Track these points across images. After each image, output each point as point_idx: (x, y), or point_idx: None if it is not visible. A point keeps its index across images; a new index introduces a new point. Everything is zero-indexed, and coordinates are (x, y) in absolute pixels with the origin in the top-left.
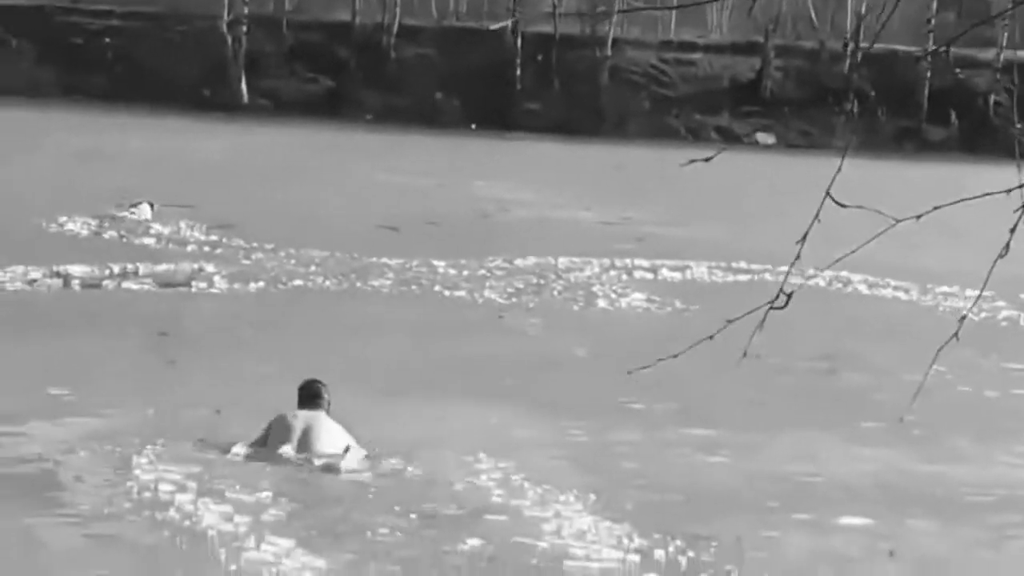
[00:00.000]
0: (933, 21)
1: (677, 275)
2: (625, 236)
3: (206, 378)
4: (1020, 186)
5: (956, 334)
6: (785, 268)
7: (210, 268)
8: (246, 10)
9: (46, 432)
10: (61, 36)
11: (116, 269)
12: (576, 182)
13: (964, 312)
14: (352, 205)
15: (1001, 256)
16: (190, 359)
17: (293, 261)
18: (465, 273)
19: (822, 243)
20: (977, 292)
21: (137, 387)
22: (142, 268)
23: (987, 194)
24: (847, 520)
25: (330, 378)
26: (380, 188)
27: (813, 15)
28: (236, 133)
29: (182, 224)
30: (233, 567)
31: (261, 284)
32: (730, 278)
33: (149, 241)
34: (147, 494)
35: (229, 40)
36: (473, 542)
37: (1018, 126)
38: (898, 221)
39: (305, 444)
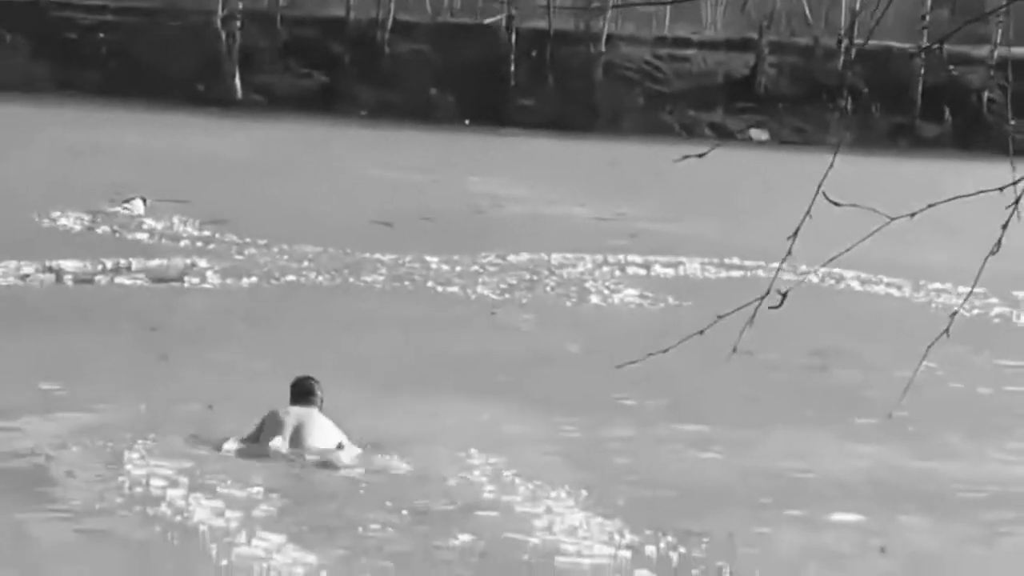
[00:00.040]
0: (927, 18)
1: (670, 271)
2: (618, 232)
3: (198, 373)
4: (1013, 183)
5: (947, 330)
6: (778, 264)
7: (203, 263)
8: (240, 5)
9: (38, 427)
10: (55, 31)
11: (109, 264)
12: (570, 178)
13: (957, 308)
14: (345, 201)
15: (993, 253)
16: (182, 354)
17: (286, 257)
18: (458, 269)
19: (816, 239)
20: (970, 289)
21: (129, 382)
22: (135, 263)
23: (980, 191)
24: (839, 516)
25: (322, 374)
26: (374, 184)
27: (807, 11)
28: (230, 128)
29: (175, 219)
30: (224, 562)
31: (254, 279)
32: (723, 274)
33: (142, 236)
34: (138, 489)
35: (223, 35)
36: (464, 538)
37: (1012, 123)
38: (892, 219)
39: (297, 440)
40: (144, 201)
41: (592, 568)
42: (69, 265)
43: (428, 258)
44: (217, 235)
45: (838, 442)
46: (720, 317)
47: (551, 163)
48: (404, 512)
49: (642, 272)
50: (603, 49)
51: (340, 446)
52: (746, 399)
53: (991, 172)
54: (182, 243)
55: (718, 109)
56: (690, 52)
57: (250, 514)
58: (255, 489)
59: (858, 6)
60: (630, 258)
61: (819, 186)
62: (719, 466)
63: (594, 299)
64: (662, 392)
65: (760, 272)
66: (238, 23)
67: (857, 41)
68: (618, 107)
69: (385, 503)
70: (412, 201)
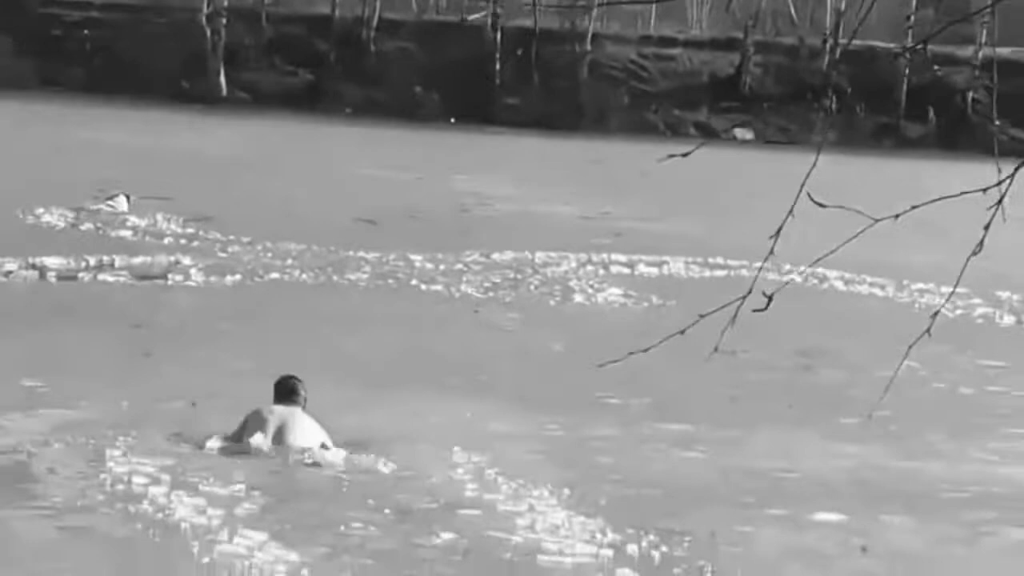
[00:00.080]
0: (912, 18)
1: (654, 270)
2: (603, 231)
3: (181, 371)
4: (997, 184)
5: (928, 330)
6: (765, 256)
7: (186, 261)
8: (225, 2)
9: (20, 424)
10: (40, 28)
11: (92, 261)
12: (555, 177)
13: (939, 308)
14: (330, 198)
15: (975, 254)
16: (166, 352)
17: (270, 254)
18: (442, 267)
19: (800, 239)
20: (952, 289)
21: (112, 379)
22: (118, 260)
23: (964, 192)
24: (821, 516)
25: (305, 372)
26: (358, 181)
27: (793, 11)
28: (214, 126)
29: (159, 216)
30: (206, 560)
31: (238, 277)
32: (707, 274)
33: (125, 233)
34: (120, 486)
35: (208, 32)
36: (447, 536)
37: (996, 123)
38: (877, 221)
39: (280, 439)
40: (128, 198)
41: (574, 567)
42: (52, 262)
43: (412, 256)
44: (201, 232)
45: (821, 442)
46: (702, 316)
47: (536, 162)
48: (387, 510)
49: (626, 271)
50: (588, 48)
51: (324, 446)
52: (730, 398)
53: (976, 172)
54: (166, 240)
55: (703, 108)
56: (675, 51)
57: (232, 512)
58: (237, 487)
59: (843, 6)
60: (614, 257)
61: (802, 186)
62: (702, 465)
63: (578, 298)
64: (646, 391)
65: (744, 271)
66: (223, 20)
67: (842, 41)
68: (603, 106)
69: (368, 501)
70: (397, 199)
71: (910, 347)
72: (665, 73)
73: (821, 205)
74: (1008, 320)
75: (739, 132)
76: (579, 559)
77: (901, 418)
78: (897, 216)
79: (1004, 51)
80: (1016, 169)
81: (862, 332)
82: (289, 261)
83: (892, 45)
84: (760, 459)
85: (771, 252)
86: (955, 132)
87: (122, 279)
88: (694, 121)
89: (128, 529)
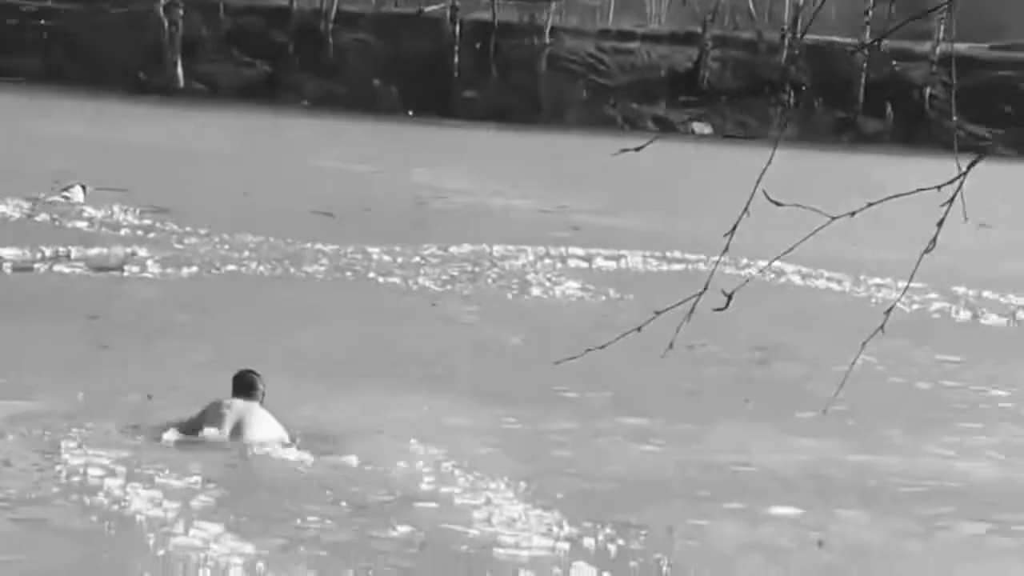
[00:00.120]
0: (870, 13)
1: (612, 264)
2: (561, 225)
3: (138, 363)
4: (950, 182)
5: (882, 327)
6: (720, 254)
7: (143, 252)
8: None
9: None
10: None
11: (48, 252)
12: (513, 170)
13: (893, 304)
14: (287, 190)
15: (928, 251)
16: (122, 344)
17: (227, 246)
18: (400, 260)
19: (757, 234)
20: (906, 284)
21: (68, 371)
22: (74, 252)
23: (919, 190)
24: (777, 510)
25: (262, 364)
26: (316, 174)
27: (751, 6)
28: (171, 117)
29: (115, 208)
30: (161, 552)
31: (194, 269)
32: (665, 267)
33: (82, 224)
34: (76, 478)
35: (165, 23)
36: (403, 529)
37: (954, 119)
38: (833, 219)
39: (237, 434)
40: (84, 189)
41: (530, 560)
42: (8, 253)
43: (370, 249)
44: (158, 224)
45: (778, 436)
46: (658, 313)
47: (494, 155)
48: (343, 503)
49: (584, 265)
50: (547, 41)
51: (283, 443)
52: (687, 393)
53: (933, 168)
54: (122, 232)
55: (661, 102)
56: (634, 45)
57: (188, 504)
58: (193, 479)
59: (801, 1)
60: (572, 250)
61: (757, 183)
62: (659, 459)
63: (536, 291)
64: (604, 385)
65: (701, 265)
66: (180, 11)
67: (799, 35)
68: (561, 99)
69: (324, 494)
70: (354, 192)
71: (864, 344)
72: (623, 67)
73: (777, 204)
74: (964, 315)
75: (697, 126)
76: (535, 552)
77: (858, 412)
78: (853, 214)
79: (961, 47)
80: (969, 167)
81: (819, 327)
82: (246, 253)
83: (850, 40)
84: (717, 453)
85: (725, 250)
86: (913, 127)
87: (78, 270)
88: (652, 115)
89: (83, 521)
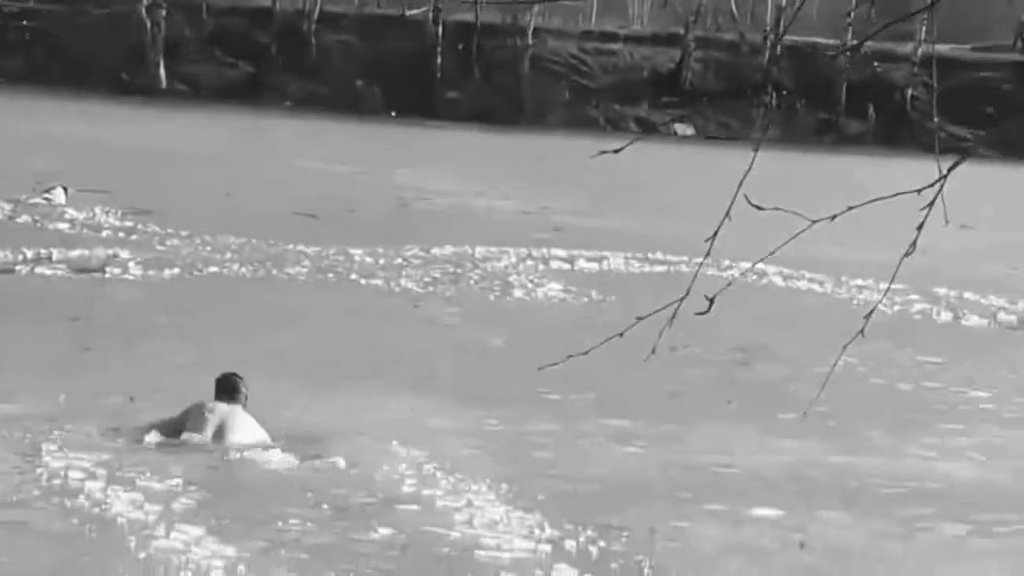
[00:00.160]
0: (852, 15)
1: (594, 265)
2: (543, 226)
3: (120, 365)
4: (930, 185)
5: (862, 331)
6: (701, 260)
7: (125, 254)
8: None
9: None
10: None
11: (29, 254)
12: (495, 171)
13: (873, 307)
14: (269, 192)
15: (908, 255)
16: (104, 346)
17: (209, 248)
18: (382, 262)
19: (739, 235)
20: (887, 286)
21: (49, 373)
22: (56, 253)
23: (899, 194)
24: (759, 511)
25: (244, 366)
26: (299, 175)
27: (733, 7)
28: (154, 118)
29: (97, 209)
30: (143, 555)
31: (176, 271)
32: (647, 269)
33: (63, 226)
34: (57, 481)
35: (148, 24)
36: (384, 531)
37: (935, 120)
38: (813, 222)
39: (219, 437)
40: (66, 191)
41: (512, 562)
42: None
43: (352, 250)
44: (139, 226)
45: (759, 437)
46: (639, 319)
47: (477, 156)
48: (324, 505)
49: (566, 266)
50: (530, 43)
51: (265, 446)
52: (669, 394)
53: (915, 169)
54: (104, 234)
55: (643, 104)
56: (616, 46)
57: (169, 507)
58: (174, 482)
59: (783, 2)
60: (554, 252)
61: (738, 187)
62: (641, 461)
63: (518, 293)
64: (586, 387)
65: (684, 267)
66: (163, 12)
67: (781, 36)
68: (544, 101)
69: (305, 496)
70: (337, 193)
71: (844, 347)
72: (606, 68)
73: (758, 207)
74: (945, 316)
75: (680, 128)
76: (517, 554)
77: (839, 414)
78: (833, 218)
79: (943, 48)
80: (949, 170)
81: (801, 328)
82: (228, 255)
83: (832, 41)
84: (699, 454)
85: (707, 255)
86: (894, 128)
87: (60, 272)
88: (634, 116)
89: (64, 524)
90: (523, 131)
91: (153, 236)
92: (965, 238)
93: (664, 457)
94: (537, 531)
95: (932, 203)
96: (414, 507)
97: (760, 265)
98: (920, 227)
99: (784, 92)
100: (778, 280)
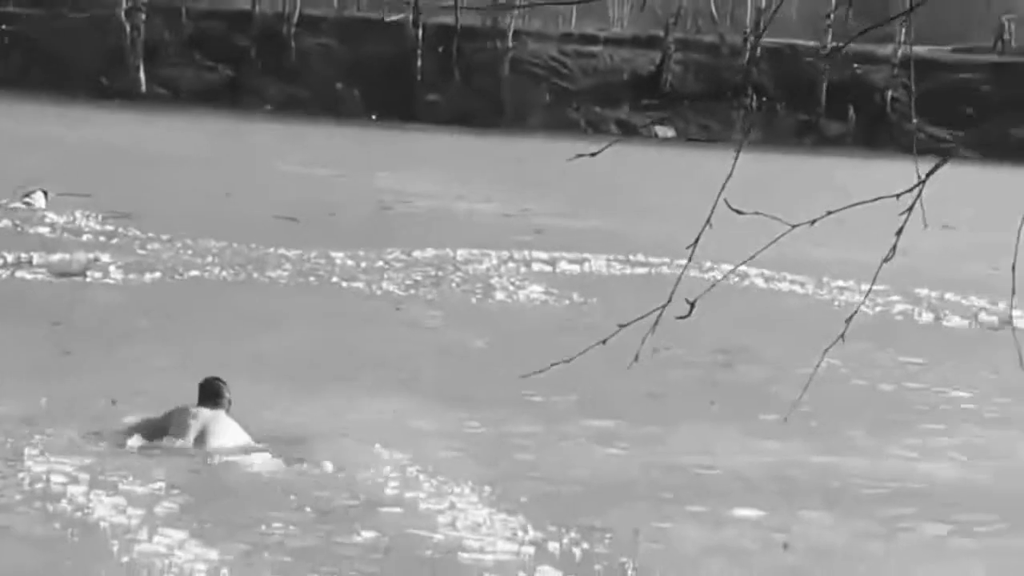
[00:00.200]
0: (832, 16)
1: (575, 268)
2: (524, 228)
3: (101, 369)
4: (908, 190)
5: (842, 336)
6: (683, 261)
7: (105, 258)
8: None
9: None
10: None
11: (10, 258)
12: (476, 174)
13: (854, 311)
14: (250, 195)
15: (887, 260)
16: (85, 350)
17: (190, 251)
18: (363, 265)
19: (720, 237)
20: (868, 288)
21: (31, 377)
22: (36, 257)
23: (878, 198)
24: (741, 512)
25: (226, 369)
26: (279, 178)
27: (713, 9)
28: (134, 122)
29: (77, 213)
30: (125, 559)
31: (157, 275)
32: (628, 271)
33: (44, 230)
34: (39, 485)
35: (127, 28)
36: (368, 534)
37: (914, 121)
38: (793, 227)
39: (201, 442)
40: (46, 195)
41: (495, 564)
42: None
43: (333, 253)
44: (120, 230)
45: (741, 438)
46: (622, 326)
47: (457, 159)
48: (307, 508)
49: (548, 268)
50: (510, 45)
51: (247, 450)
52: (651, 396)
53: (895, 170)
54: (84, 238)
55: (624, 106)
56: (596, 49)
57: (152, 510)
58: (157, 485)
59: (763, 3)
60: (535, 254)
61: (719, 193)
62: (623, 462)
63: (500, 295)
64: (568, 388)
65: (665, 268)
66: (142, 15)
67: (763, 40)
68: (524, 103)
69: (288, 499)
70: (317, 196)
71: (825, 351)
72: (586, 71)
73: (739, 212)
74: (927, 317)
75: (660, 130)
76: (500, 556)
77: (821, 414)
78: (813, 222)
79: (923, 50)
80: (928, 175)
81: (782, 329)
82: (209, 259)
83: (812, 43)
84: (681, 455)
85: (689, 261)
86: (874, 130)
87: (40, 276)
88: (615, 119)
89: (46, 529)
90: (503, 134)
91: (134, 240)
92: (946, 239)
93: (646, 458)
94: (520, 533)
95: (911, 208)
96: (397, 509)
97: (742, 267)
98: (899, 232)
99: (764, 98)
100: (760, 282)
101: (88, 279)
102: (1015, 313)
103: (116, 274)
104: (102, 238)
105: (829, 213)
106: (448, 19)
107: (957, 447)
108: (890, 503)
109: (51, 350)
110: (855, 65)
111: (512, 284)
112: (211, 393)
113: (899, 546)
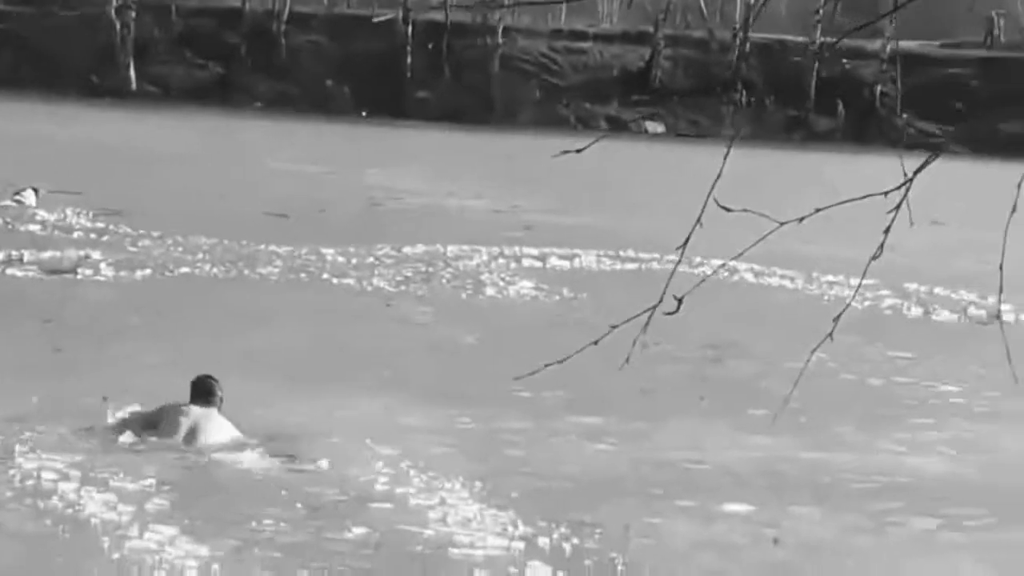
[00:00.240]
0: (821, 12)
1: (566, 263)
2: (514, 224)
3: (92, 366)
4: (896, 188)
5: (830, 335)
6: (672, 257)
7: (96, 255)
8: None
9: None
10: None
11: (1, 256)
12: (466, 170)
13: (842, 309)
14: (241, 192)
15: (875, 257)
16: (76, 347)
17: (180, 248)
18: (354, 261)
19: (709, 233)
20: (858, 284)
21: (22, 374)
22: (27, 255)
23: (867, 195)
24: (731, 507)
25: (217, 366)
26: (269, 175)
27: (702, 5)
28: (124, 119)
29: (68, 211)
30: (116, 556)
31: (148, 272)
32: (618, 266)
33: (34, 228)
34: (29, 482)
35: (117, 26)
36: (358, 530)
37: (903, 116)
38: (782, 224)
39: (191, 439)
40: (36, 192)
41: (485, 559)
42: None
43: (324, 250)
44: (111, 227)
45: (731, 433)
46: (613, 327)
47: (447, 155)
48: (298, 505)
49: (538, 264)
50: (500, 42)
51: (238, 447)
52: (641, 391)
53: (884, 165)
54: (75, 235)
55: (614, 102)
56: (586, 45)
57: (143, 507)
58: (148, 482)
59: None
60: (526, 250)
61: (710, 193)
62: (613, 457)
63: (490, 291)
64: (558, 384)
65: (655, 264)
66: (132, 13)
67: (753, 36)
68: (514, 100)
69: (279, 495)
70: (308, 193)
71: (814, 350)
72: (576, 67)
73: (727, 210)
74: (916, 312)
75: (650, 125)
76: (491, 552)
77: (810, 409)
78: (801, 220)
79: (912, 45)
80: (916, 172)
81: (772, 324)
82: (200, 255)
83: (801, 39)
84: (670, 451)
85: (679, 261)
86: (863, 125)
87: (31, 274)
88: (605, 115)
89: (37, 525)
90: (493, 130)
91: (124, 237)
92: (935, 234)
93: (636, 454)
94: (510, 528)
95: (899, 206)
96: (388, 505)
97: (731, 262)
98: (887, 230)
99: (753, 94)
100: (749, 277)
101: (79, 276)
102: (1004, 308)
103: (107, 271)
104: (93, 235)
105: (818, 211)
106: (438, 16)
107: (946, 441)
108: (879, 497)
109: (42, 347)
110: (844, 60)
111: (502, 280)
112: (203, 391)
113: (888, 540)
